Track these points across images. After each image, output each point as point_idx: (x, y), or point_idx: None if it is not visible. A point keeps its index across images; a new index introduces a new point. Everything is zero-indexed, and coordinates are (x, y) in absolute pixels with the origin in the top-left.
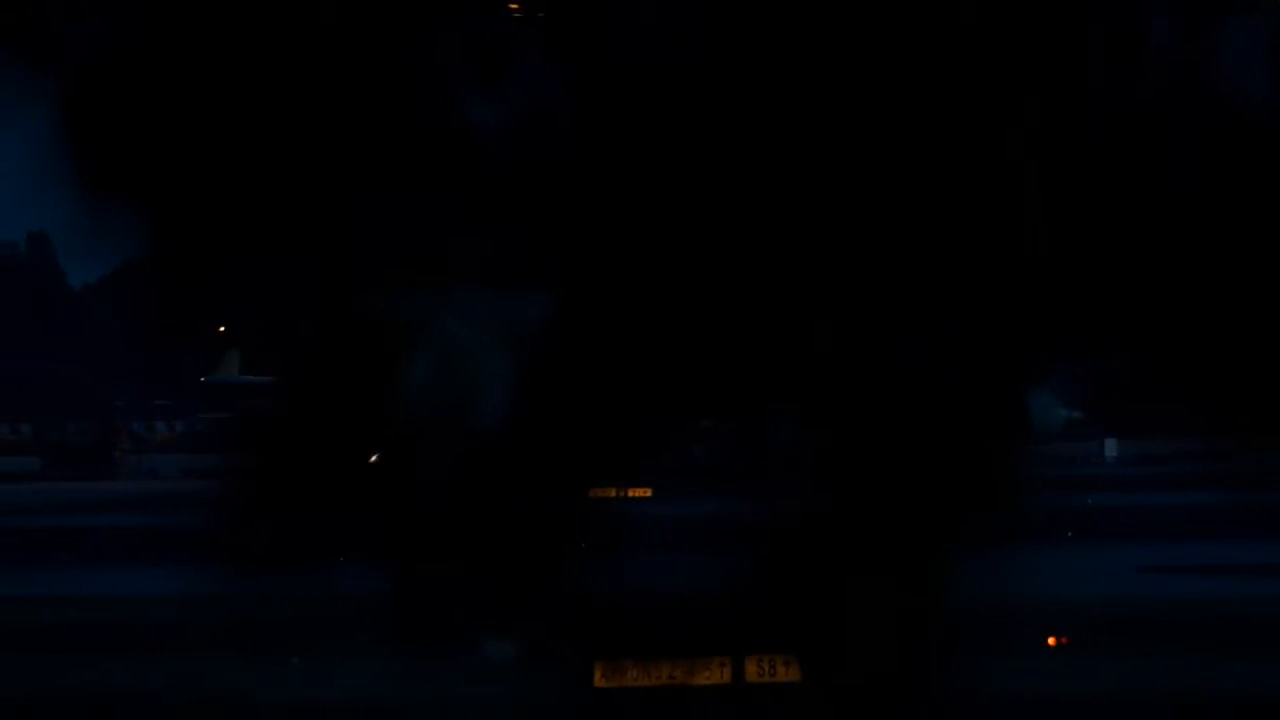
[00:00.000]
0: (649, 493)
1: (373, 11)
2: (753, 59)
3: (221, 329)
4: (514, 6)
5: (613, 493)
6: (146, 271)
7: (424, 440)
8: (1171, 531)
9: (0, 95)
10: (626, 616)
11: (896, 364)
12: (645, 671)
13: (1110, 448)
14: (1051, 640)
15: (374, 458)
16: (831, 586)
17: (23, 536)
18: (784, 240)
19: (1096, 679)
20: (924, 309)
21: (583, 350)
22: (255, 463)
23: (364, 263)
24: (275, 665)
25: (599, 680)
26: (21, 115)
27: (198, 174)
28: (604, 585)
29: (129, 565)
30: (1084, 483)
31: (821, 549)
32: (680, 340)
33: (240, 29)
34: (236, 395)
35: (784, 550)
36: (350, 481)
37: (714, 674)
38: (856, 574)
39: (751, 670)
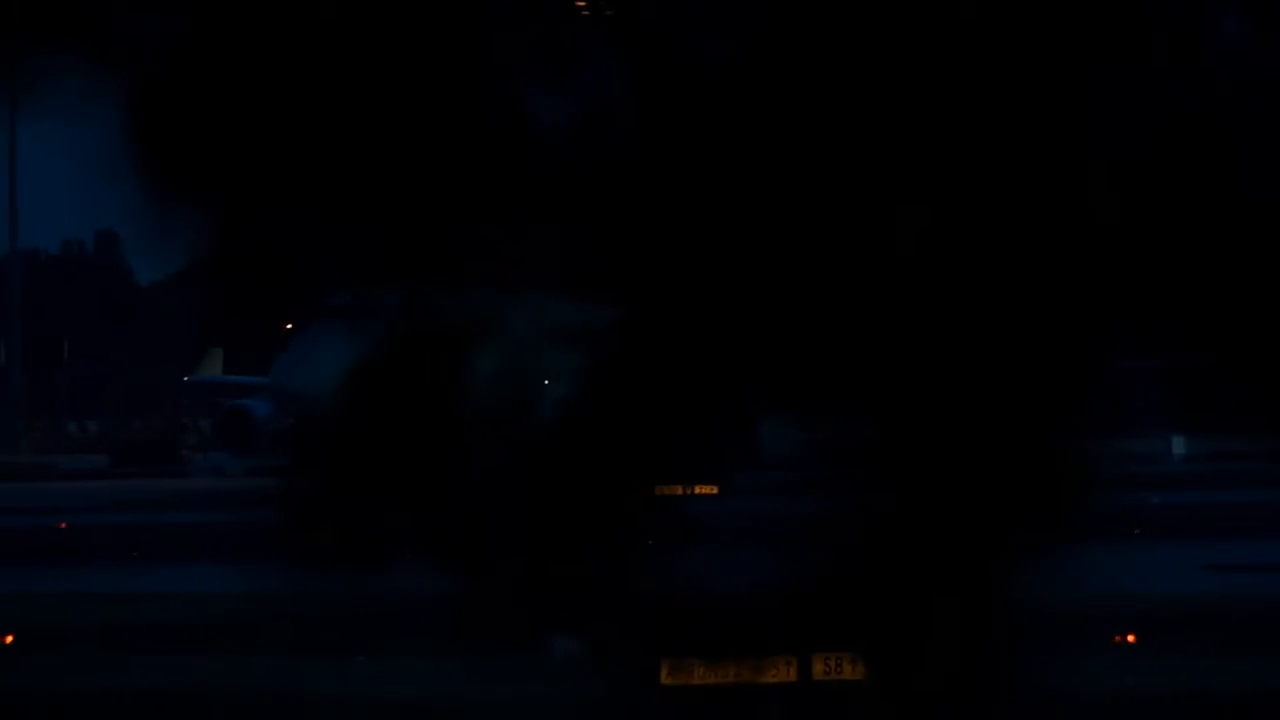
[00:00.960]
0: (715, 490)
1: (441, 9)
2: (818, 56)
3: (289, 326)
4: (580, 3)
5: (679, 490)
6: (214, 270)
7: (491, 438)
8: (1238, 529)
9: (69, 93)
10: (693, 614)
11: (965, 362)
12: (712, 669)
13: (1178, 445)
14: (1124, 638)
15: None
16: (898, 585)
17: (91, 534)
18: (850, 236)
19: (1163, 677)
20: (993, 307)
21: (649, 347)
22: (322, 460)
23: (431, 261)
24: (340, 663)
25: (665, 678)
26: (90, 113)
27: (265, 172)
28: (670, 583)
29: (195, 562)
30: (1152, 480)
31: (888, 547)
32: (747, 337)
33: (308, 27)
34: (220, 394)
35: (851, 548)
36: (416, 479)
37: (780, 672)
38: (923, 573)
39: (818, 668)
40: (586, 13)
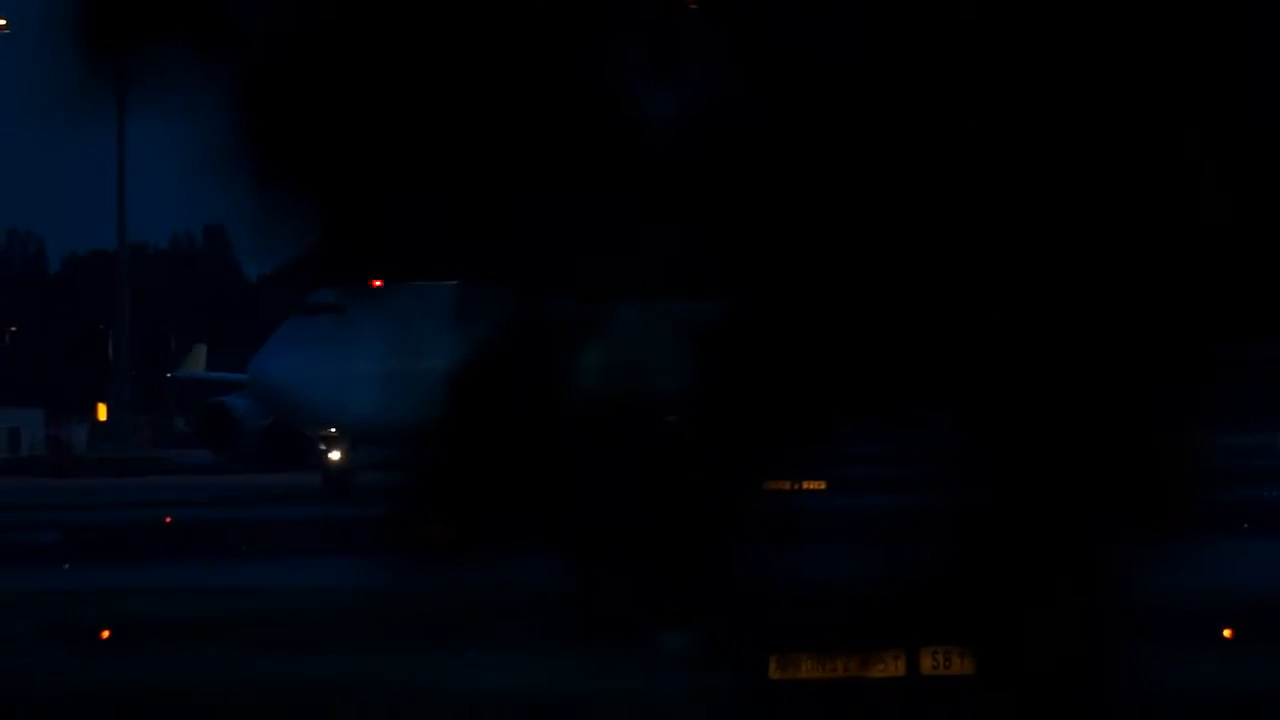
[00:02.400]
0: (824, 486)
1: (550, 4)
2: (932, 54)
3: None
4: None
5: (787, 485)
6: (321, 265)
7: (603, 434)
8: None
9: (178, 86)
10: (801, 609)
11: (1072, 353)
12: (820, 664)
13: None
14: (1228, 633)
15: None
16: (1006, 580)
17: (200, 529)
18: (957, 232)
19: (1272, 672)
20: (1099, 299)
21: (758, 345)
22: (438, 454)
23: (543, 258)
24: (452, 657)
25: (773, 672)
26: (199, 107)
27: (373, 167)
28: (779, 578)
29: (304, 557)
30: (1262, 475)
31: (996, 542)
32: (855, 332)
33: (419, 21)
34: (203, 391)
35: (958, 543)
36: (530, 474)
37: (888, 666)
38: (1031, 567)
39: (926, 663)
40: (695, 6)
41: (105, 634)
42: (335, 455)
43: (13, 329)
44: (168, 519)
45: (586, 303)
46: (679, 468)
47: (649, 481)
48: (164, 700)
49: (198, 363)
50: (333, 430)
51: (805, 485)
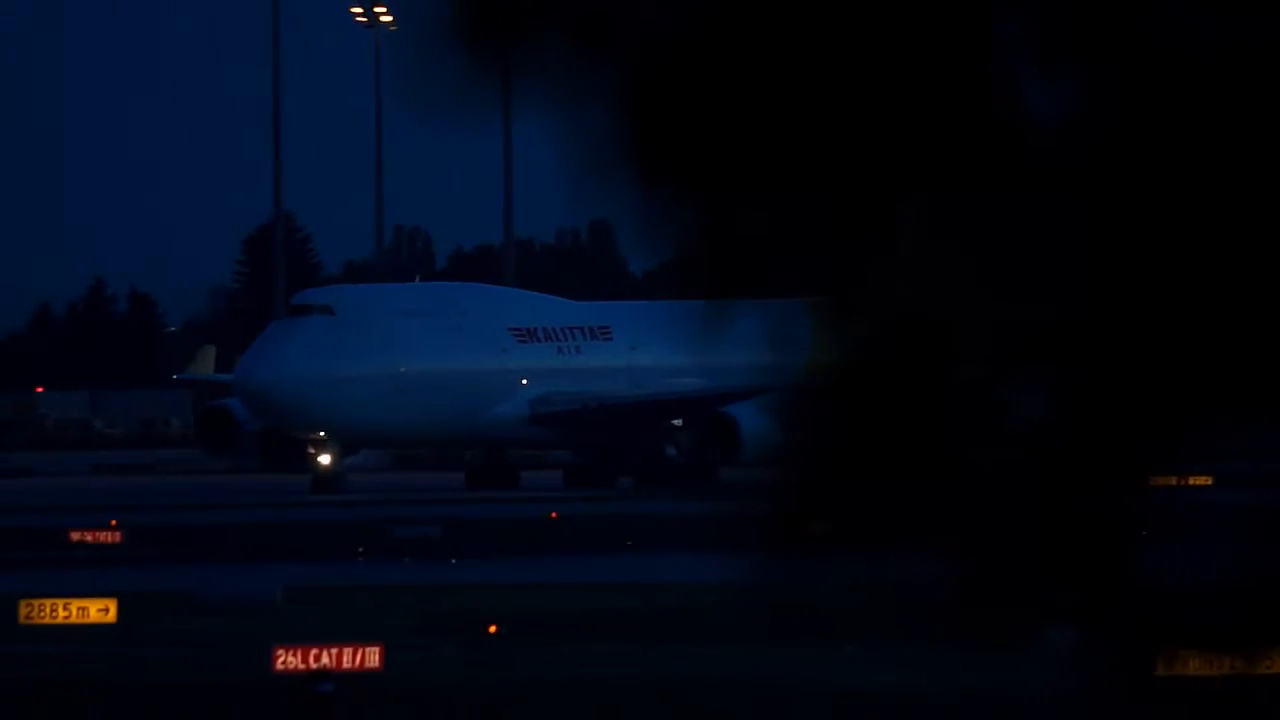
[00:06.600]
0: (1209, 481)
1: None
2: None
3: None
4: None
5: (1174, 480)
6: (701, 262)
7: (987, 431)
8: None
9: (563, 84)
10: (1188, 606)
11: None
12: (1207, 661)
13: None
14: None
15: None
16: None
17: (569, 524)
18: None
19: None
20: None
21: (1145, 338)
22: (816, 450)
23: (910, 257)
24: (832, 653)
25: (1160, 670)
26: (584, 104)
27: (757, 165)
28: (1165, 574)
29: (686, 552)
30: None
31: None
32: (1247, 325)
33: (803, 15)
34: (206, 393)
35: None
36: (913, 471)
37: (1277, 664)
38: None
39: None
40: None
41: (493, 628)
42: (325, 459)
43: None
44: (554, 514)
45: (970, 301)
46: (1064, 464)
47: (1033, 478)
48: (552, 695)
49: (207, 363)
50: (321, 434)
51: (1191, 480)
